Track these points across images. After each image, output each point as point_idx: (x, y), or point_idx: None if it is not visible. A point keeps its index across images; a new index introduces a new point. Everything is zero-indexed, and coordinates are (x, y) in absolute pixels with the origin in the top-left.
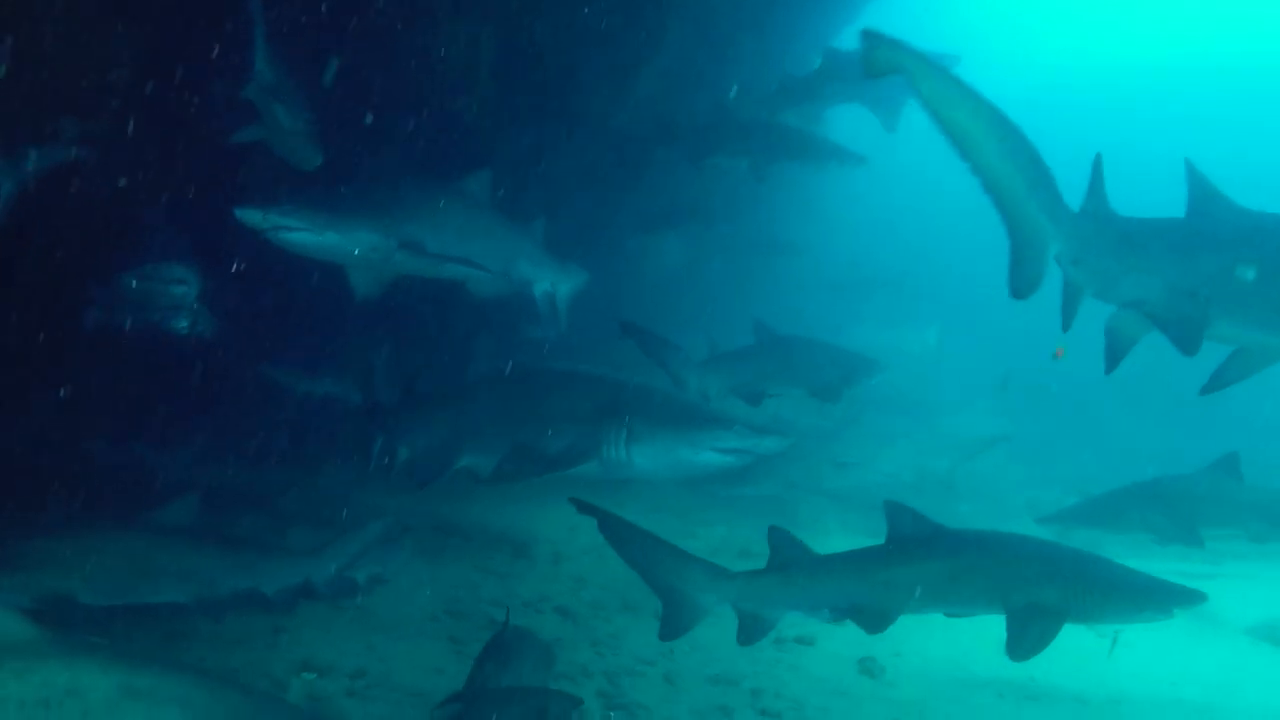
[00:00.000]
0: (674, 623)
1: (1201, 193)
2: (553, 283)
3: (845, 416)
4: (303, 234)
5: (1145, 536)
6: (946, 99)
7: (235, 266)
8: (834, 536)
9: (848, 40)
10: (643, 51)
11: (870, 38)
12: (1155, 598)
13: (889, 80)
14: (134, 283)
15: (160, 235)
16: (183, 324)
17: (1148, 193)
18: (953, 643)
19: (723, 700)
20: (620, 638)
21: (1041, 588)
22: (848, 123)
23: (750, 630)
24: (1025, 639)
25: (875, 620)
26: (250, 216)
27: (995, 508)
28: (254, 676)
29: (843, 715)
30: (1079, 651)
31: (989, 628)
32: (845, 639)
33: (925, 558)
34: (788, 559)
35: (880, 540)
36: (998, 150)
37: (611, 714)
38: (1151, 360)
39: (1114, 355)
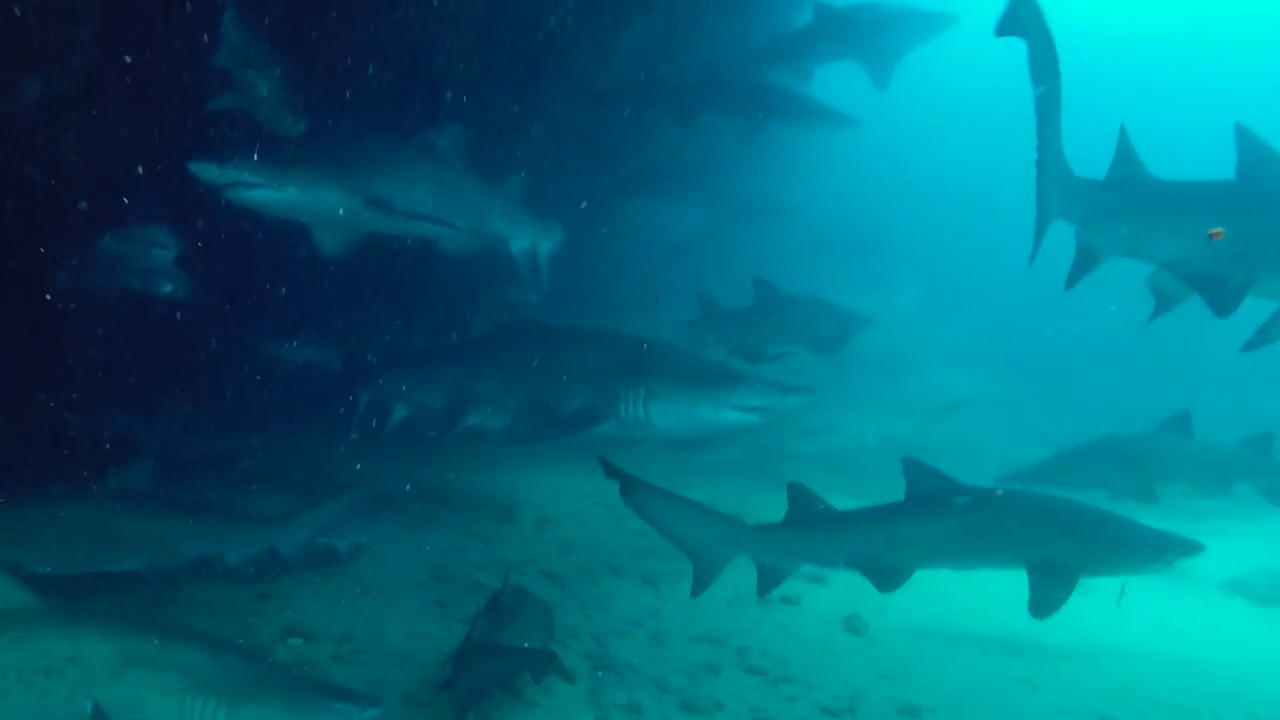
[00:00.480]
0: (702, 575)
1: (1252, 154)
2: (533, 240)
3: (826, 378)
4: (262, 190)
5: (1101, 493)
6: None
7: (212, 230)
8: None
9: None
10: (626, 9)
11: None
12: (1160, 550)
13: (883, 37)
14: (113, 245)
15: (140, 199)
16: (162, 287)
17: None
18: (936, 601)
19: (709, 659)
20: (607, 600)
21: (1058, 544)
22: (823, 84)
23: (767, 580)
24: (1047, 596)
25: (891, 576)
26: (206, 171)
27: (963, 467)
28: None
29: (829, 672)
30: (1059, 608)
31: (971, 586)
32: (830, 598)
33: (942, 515)
34: (806, 514)
35: (861, 502)
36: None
37: (600, 674)
38: (1137, 319)
39: (1158, 309)
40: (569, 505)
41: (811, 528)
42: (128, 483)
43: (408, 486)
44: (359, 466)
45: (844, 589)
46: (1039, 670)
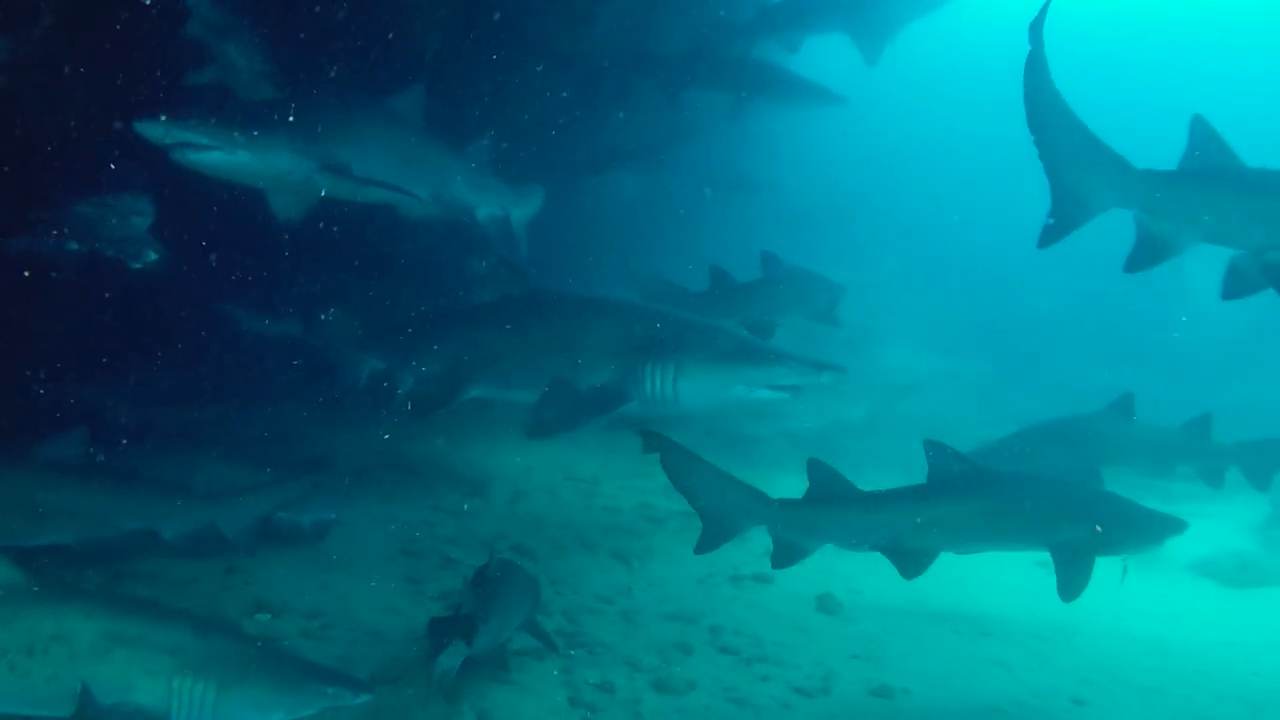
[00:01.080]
0: (710, 538)
1: None
2: (503, 207)
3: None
4: (212, 153)
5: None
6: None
7: (186, 198)
8: (791, 476)
9: None
10: None
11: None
12: (1159, 529)
13: (875, 11)
14: (91, 211)
15: (115, 165)
16: (136, 254)
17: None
18: (909, 582)
19: (682, 637)
20: (579, 576)
21: (1078, 525)
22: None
23: (784, 556)
24: (1073, 577)
25: (917, 559)
26: (152, 130)
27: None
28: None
29: (802, 651)
30: (1030, 588)
31: (943, 566)
32: (803, 577)
33: (966, 497)
34: (828, 492)
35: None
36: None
37: (572, 652)
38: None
39: (1233, 292)
40: (540, 479)
41: (837, 507)
42: (59, 453)
43: (379, 460)
44: (333, 437)
45: (817, 568)
46: (1011, 651)
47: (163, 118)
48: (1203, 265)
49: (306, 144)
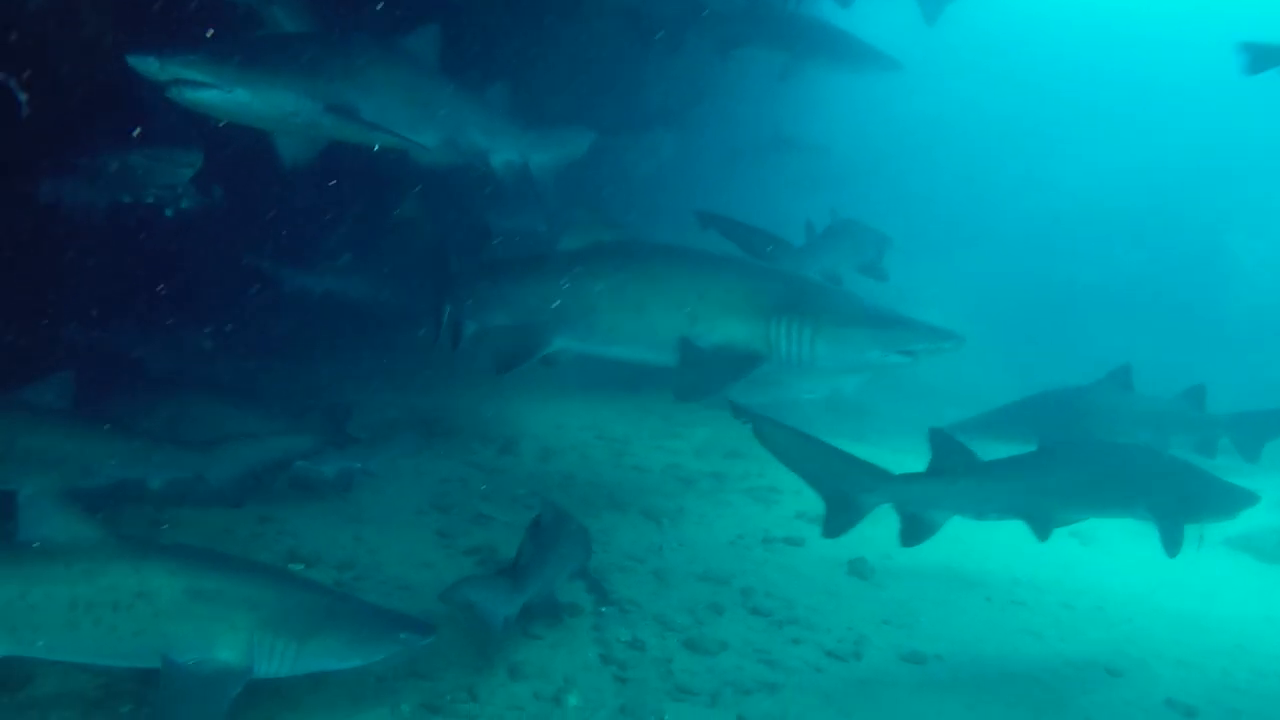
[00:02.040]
0: (836, 522)
1: None
2: (521, 153)
3: None
4: (208, 91)
5: None
6: None
7: (227, 152)
8: None
9: None
10: None
11: None
12: (1236, 501)
13: None
14: (140, 160)
15: (162, 113)
16: (174, 202)
17: None
18: (939, 547)
19: (713, 598)
20: (610, 534)
21: (1169, 494)
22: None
23: (912, 532)
24: (1176, 538)
25: (1040, 525)
26: (145, 65)
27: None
28: None
29: (833, 615)
30: (1062, 558)
31: (975, 532)
32: (834, 541)
33: (1077, 465)
34: (949, 463)
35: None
36: None
37: (603, 609)
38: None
39: None
40: (571, 437)
41: (960, 478)
42: (44, 398)
43: (410, 415)
44: (367, 395)
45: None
46: (1043, 620)
47: (157, 53)
48: (1247, 236)
49: (310, 83)
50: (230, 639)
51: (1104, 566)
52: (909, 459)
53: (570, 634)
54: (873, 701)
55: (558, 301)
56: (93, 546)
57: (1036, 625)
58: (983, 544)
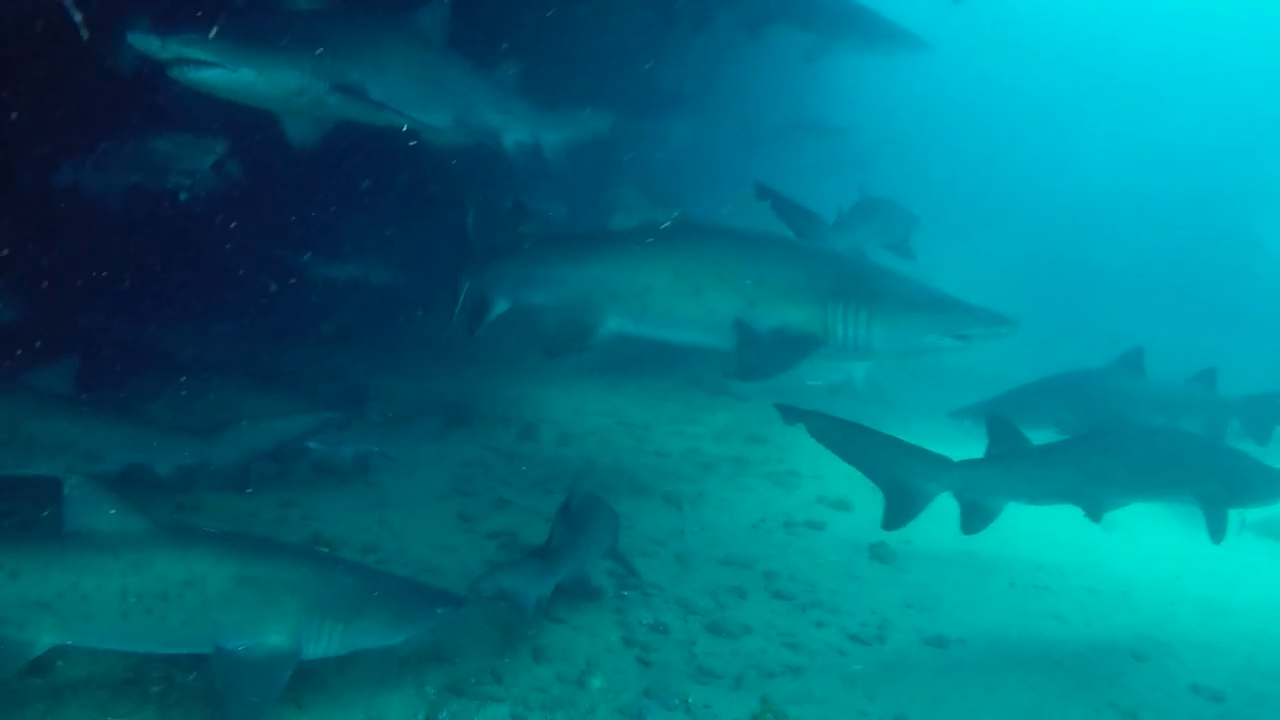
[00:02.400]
0: (897, 512)
1: None
2: (531, 133)
3: None
4: (213, 71)
5: (1052, 431)
6: None
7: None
8: None
9: None
10: None
11: None
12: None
13: None
14: (165, 146)
15: (185, 102)
16: (191, 187)
17: None
18: (960, 532)
19: (735, 581)
20: (631, 518)
21: (1217, 479)
22: None
23: (973, 519)
24: (1221, 524)
25: (1093, 509)
26: (147, 44)
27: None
28: None
29: (855, 598)
30: (1086, 544)
31: (999, 518)
32: (855, 525)
33: (1129, 450)
34: (1005, 449)
35: None
36: None
37: (625, 593)
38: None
39: None
40: (590, 423)
41: (1017, 463)
42: (49, 384)
43: (432, 400)
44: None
45: (869, 516)
46: (1067, 604)
47: (159, 31)
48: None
49: (318, 62)
50: (279, 624)
51: (1128, 552)
52: (938, 444)
53: (593, 617)
54: (896, 684)
55: (611, 284)
56: (139, 537)
57: (1061, 610)
58: (1004, 528)
